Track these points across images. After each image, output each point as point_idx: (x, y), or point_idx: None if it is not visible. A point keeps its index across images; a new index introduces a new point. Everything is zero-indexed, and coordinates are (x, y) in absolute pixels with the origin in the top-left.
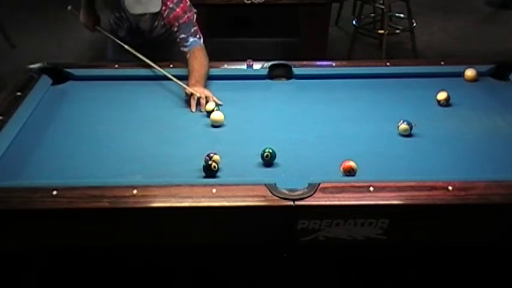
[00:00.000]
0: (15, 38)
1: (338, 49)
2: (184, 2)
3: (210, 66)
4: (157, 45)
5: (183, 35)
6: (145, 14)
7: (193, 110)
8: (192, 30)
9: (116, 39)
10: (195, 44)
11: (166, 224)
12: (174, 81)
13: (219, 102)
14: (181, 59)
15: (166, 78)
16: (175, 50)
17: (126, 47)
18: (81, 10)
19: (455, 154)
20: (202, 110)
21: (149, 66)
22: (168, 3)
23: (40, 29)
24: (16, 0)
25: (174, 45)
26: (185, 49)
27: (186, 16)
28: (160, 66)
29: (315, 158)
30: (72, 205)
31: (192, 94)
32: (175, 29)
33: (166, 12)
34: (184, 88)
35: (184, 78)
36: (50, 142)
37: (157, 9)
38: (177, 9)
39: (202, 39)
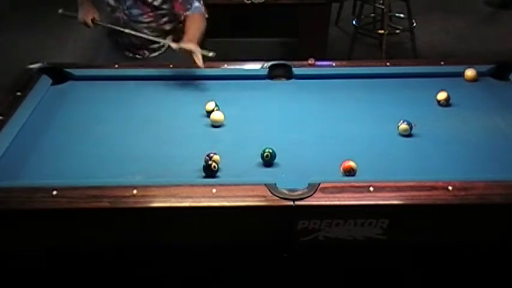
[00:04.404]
0: (15, 38)
1: (338, 49)
2: None
3: (210, 66)
4: (160, 15)
5: None
6: None
7: (201, 64)
8: None
9: (117, 27)
10: (197, 11)
11: (166, 224)
12: (167, 43)
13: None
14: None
15: (166, 78)
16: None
17: (128, 31)
18: (80, 6)
19: (455, 154)
20: (201, 65)
21: (149, 66)
22: None
23: (40, 29)
24: (16, 0)
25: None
26: (187, 12)
27: None
28: (160, 65)
29: (315, 158)
30: (72, 205)
31: (189, 51)
32: None
33: None
34: (177, 46)
35: (185, 78)
36: (50, 142)
37: None
38: None
39: (204, 9)
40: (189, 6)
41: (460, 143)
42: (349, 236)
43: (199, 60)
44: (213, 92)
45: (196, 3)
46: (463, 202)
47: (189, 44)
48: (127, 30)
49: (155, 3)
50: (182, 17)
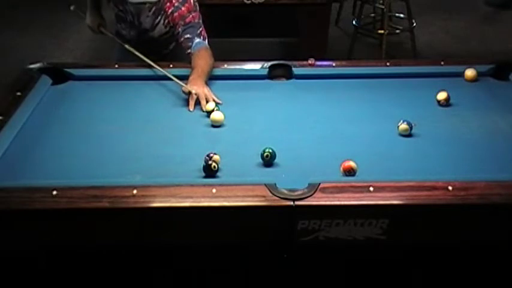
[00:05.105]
0: (15, 38)
1: (338, 49)
2: (189, 1)
3: None
4: (159, 43)
5: (188, 35)
6: (144, 4)
7: (192, 109)
8: (198, 31)
9: (119, 41)
10: (200, 46)
11: (166, 224)
12: (174, 80)
13: (218, 101)
14: (181, 56)
15: (166, 78)
16: (176, 48)
17: (127, 47)
18: (88, 11)
19: (455, 154)
20: (204, 110)
21: (149, 66)
22: (173, 1)
23: (40, 29)
24: (16, 0)
25: (175, 44)
26: (189, 50)
27: (191, 16)
28: (160, 66)
29: (315, 158)
30: (72, 205)
31: (190, 93)
32: (180, 29)
33: (170, 10)
34: (182, 86)
35: (184, 78)
36: (50, 142)
37: None
38: (183, 8)
39: (207, 41)
40: (190, 44)
41: (460, 143)
42: (349, 236)
43: (191, 105)
44: (213, 92)
45: (197, 40)
46: (463, 202)
47: (193, 84)
48: (127, 46)
49: (162, 38)
50: (187, 53)
